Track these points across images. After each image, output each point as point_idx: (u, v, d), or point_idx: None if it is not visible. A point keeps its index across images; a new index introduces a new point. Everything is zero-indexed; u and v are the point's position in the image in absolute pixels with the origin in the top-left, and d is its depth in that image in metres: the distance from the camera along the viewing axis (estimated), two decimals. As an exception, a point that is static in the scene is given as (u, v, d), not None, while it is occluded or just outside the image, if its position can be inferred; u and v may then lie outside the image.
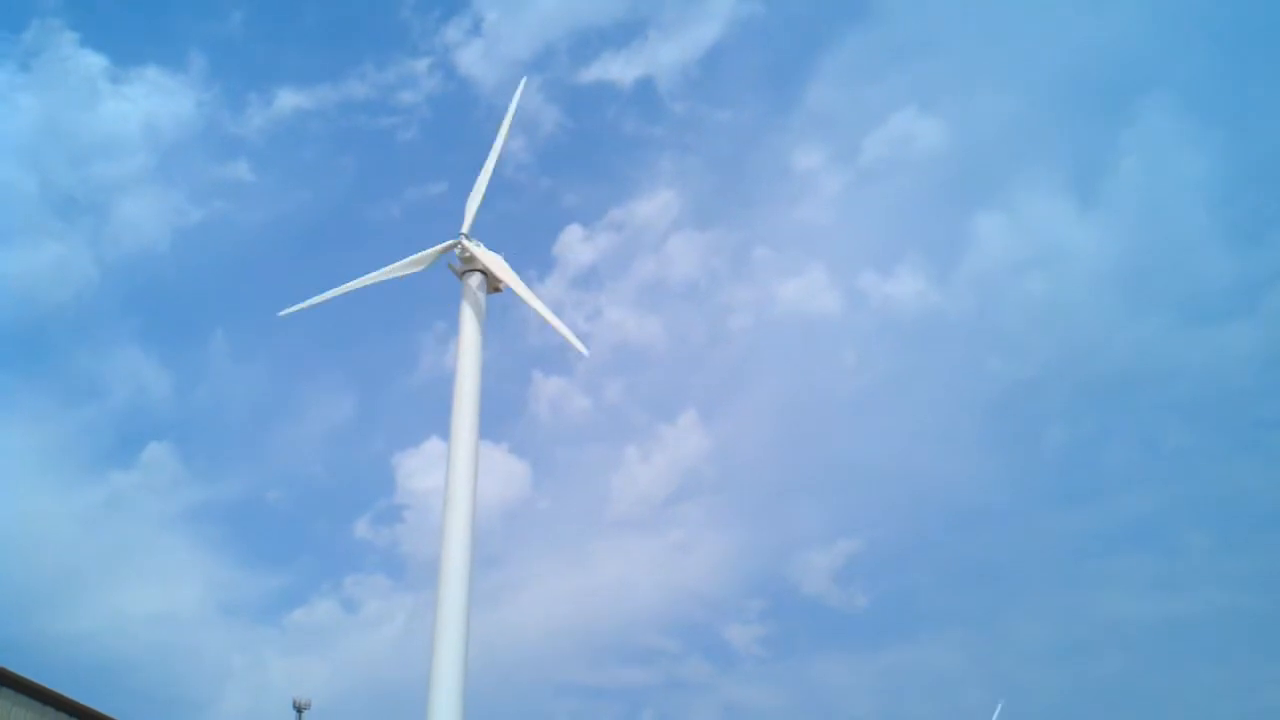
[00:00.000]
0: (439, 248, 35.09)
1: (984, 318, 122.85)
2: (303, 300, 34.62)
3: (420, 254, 35.12)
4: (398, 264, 35.02)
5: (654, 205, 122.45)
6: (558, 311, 36.13)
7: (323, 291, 34.49)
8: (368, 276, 34.85)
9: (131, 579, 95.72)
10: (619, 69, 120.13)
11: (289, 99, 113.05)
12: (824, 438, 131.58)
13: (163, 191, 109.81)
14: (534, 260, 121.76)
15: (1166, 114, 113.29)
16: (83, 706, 31.00)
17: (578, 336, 35.31)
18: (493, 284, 34.93)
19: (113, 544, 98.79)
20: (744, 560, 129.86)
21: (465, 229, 35.21)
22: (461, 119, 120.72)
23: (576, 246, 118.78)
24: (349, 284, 34.53)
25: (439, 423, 32.32)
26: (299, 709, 68.39)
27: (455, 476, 31.33)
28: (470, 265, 34.78)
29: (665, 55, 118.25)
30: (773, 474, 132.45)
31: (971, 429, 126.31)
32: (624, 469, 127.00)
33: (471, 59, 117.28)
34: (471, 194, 36.54)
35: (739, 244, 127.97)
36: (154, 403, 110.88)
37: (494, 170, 36.77)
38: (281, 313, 34.75)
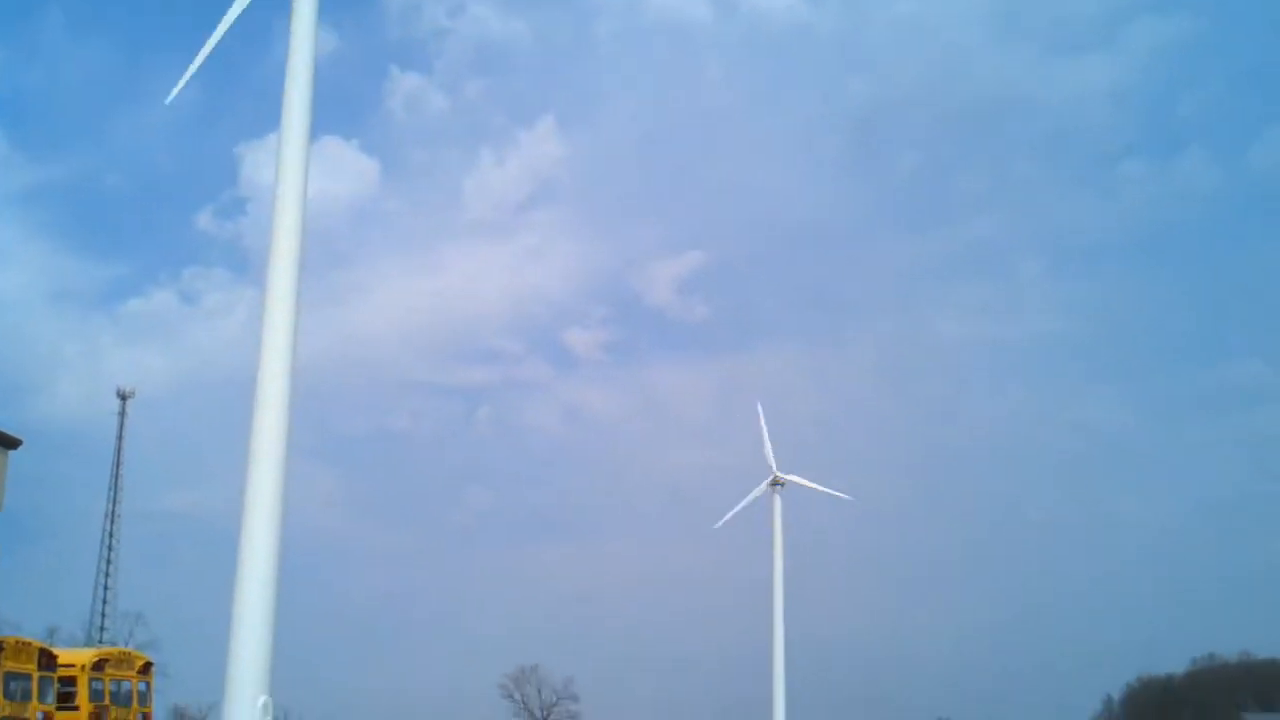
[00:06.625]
0: None
1: (851, 36, 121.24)
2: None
3: None
4: None
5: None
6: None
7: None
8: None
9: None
10: None
11: None
12: (681, 151, 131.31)
13: None
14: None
15: None
16: None
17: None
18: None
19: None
20: (591, 268, 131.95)
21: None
22: None
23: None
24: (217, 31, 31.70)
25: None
26: (123, 397, 68.62)
27: (284, 174, 30.61)
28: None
29: None
30: (626, 185, 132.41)
31: (828, 150, 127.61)
32: (478, 172, 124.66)
33: None
34: None
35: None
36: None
37: None
38: (169, 99, 32.16)
